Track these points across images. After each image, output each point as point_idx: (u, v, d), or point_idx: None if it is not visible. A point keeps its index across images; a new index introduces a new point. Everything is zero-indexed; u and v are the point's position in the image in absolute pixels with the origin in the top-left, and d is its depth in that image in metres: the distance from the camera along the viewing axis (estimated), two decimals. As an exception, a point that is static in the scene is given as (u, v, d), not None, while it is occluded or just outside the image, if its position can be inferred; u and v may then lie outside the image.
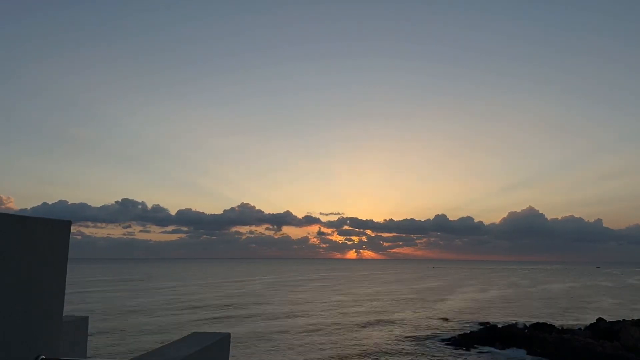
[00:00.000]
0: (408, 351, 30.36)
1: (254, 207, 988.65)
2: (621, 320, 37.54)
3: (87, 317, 4.03)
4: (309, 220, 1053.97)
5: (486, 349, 30.97)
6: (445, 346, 32.05)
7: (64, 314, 2.87)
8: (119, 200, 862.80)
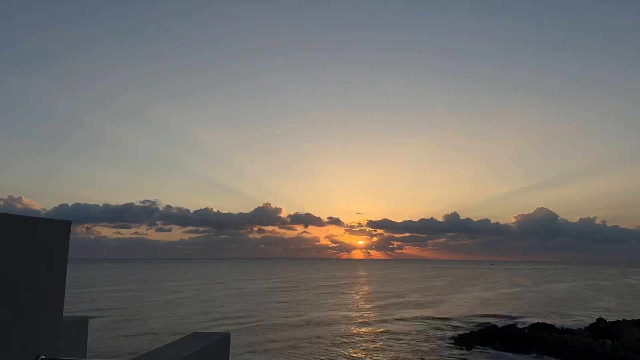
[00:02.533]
0: (407, 351, 30.35)
1: (274, 207, 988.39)
2: (621, 320, 37.56)
3: (87, 318, 4.03)
4: (323, 221, 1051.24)
5: (486, 349, 30.97)
6: (445, 346, 32.04)
7: (64, 314, 2.87)
8: (140, 200, 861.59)
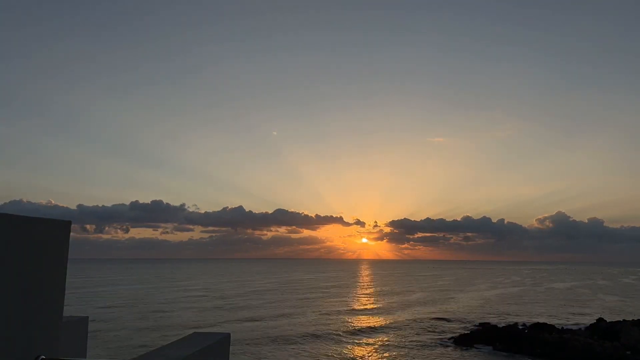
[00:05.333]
0: (408, 351, 30.35)
1: (296, 208, 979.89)
2: (621, 320, 37.57)
3: (87, 317, 4.02)
4: (346, 221, 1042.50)
5: (486, 349, 30.97)
6: (446, 346, 32.05)
7: (64, 314, 2.86)
8: (160, 200, 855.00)
